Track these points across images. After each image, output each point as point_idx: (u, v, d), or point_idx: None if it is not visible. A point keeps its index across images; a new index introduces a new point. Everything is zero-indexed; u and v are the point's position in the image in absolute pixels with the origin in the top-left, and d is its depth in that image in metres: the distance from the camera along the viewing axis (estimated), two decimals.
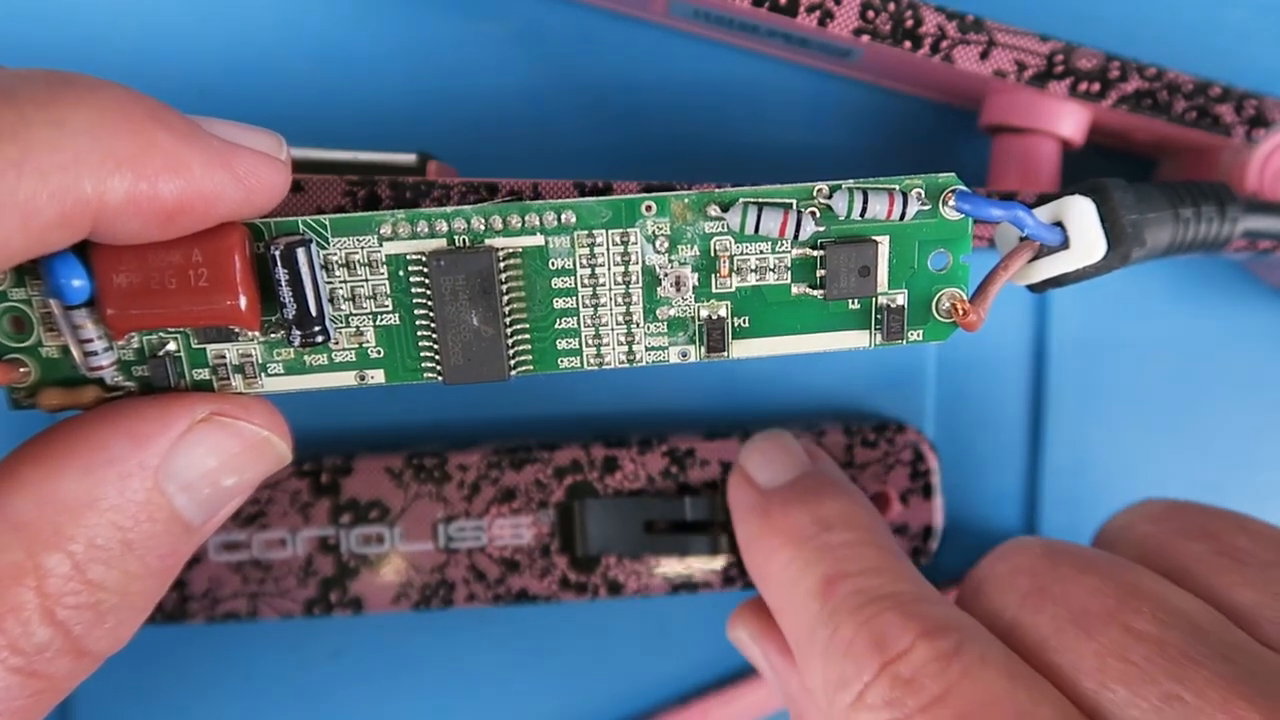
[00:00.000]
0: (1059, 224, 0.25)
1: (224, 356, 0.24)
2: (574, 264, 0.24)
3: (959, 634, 0.24)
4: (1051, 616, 0.24)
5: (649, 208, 0.24)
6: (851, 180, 0.24)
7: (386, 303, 0.24)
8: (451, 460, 0.35)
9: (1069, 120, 0.33)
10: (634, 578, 0.35)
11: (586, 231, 0.24)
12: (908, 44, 0.31)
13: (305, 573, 0.35)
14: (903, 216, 0.24)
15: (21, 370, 0.23)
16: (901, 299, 0.25)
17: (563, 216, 0.24)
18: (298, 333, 0.23)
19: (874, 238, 0.24)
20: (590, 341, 0.25)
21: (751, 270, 0.24)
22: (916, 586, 0.26)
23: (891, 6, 0.31)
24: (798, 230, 0.24)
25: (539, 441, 0.36)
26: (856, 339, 0.25)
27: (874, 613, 0.25)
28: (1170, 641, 0.23)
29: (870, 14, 0.31)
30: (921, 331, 0.25)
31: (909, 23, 0.31)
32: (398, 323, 0.24)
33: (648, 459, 0.35)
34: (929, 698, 0.23)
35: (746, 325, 0.25)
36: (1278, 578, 0.25)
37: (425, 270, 0.24)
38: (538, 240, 0.24)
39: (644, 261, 0.24)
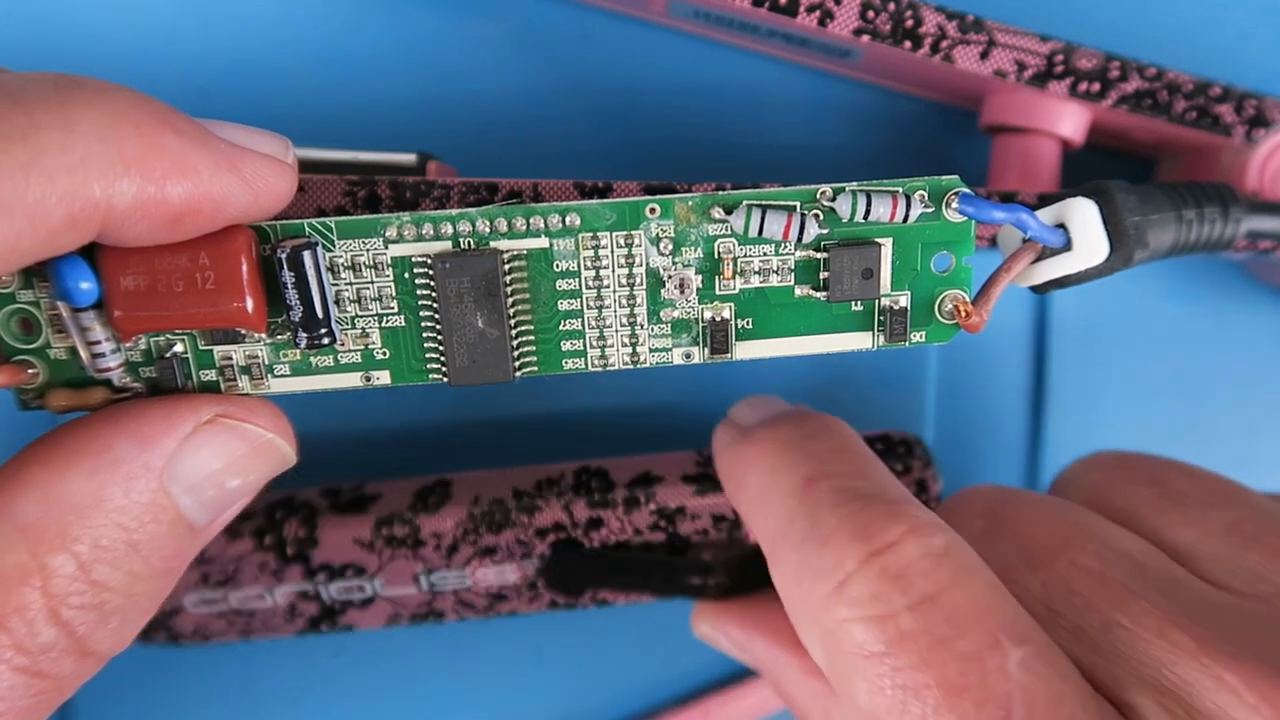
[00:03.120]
0: (1061, 226, 0.25)
1: (231, 358, 0.24)
2: (578, 266, 0.24)
3: (945, 537, 0.24)
4: (1003, 553, 0.25)
5: (653, 210, 0.24)
6: (855, 183, 0.24)
7: (392, 305, 0.24)
8: (424, 527, 0.33)
9: (1069, 120, 0.33)
10: (623, 597, 0.35)
11: (591, 234, 0.24)
12: (908, 44, 0.31)
13: (290, 615, 0.34)
14: (906, 219, 0.24)
15: (30, 371, 0.23)
16: (904, 301, 0.25)
17: (567, 219, 0.24)
18: (304, 335, 0.23)
19: (877, 240, 0.24)
20: (594, 343, 0.25)
21: (755, 272, 0.24)
22: (900, 489, 0.26)
23: (891, 6, 0.31)
24: (801, 233, 0.24)
25: (514, 492, 0.34)
26: (859, 340, 0.25)
27: (858, 507, 0.24)
28: (1111, 576, 0.24)
29: (870, 14, 0.31)
30: (924, 333, 0.25)
31: (909, 23, 0.31)
32: (403, 325, 0.24)
33: (634, 517, 0.34)
34: (919, 596, 0.22)
35: (750, 327, 0.25)
36: (1215, 517, 0.26)
37: (430, 272, 0.24)
38: (542, 242, 0.24)
39: (648, 263, 0.24)
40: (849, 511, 0.24)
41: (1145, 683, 0.22)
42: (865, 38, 0.31)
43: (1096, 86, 0.32)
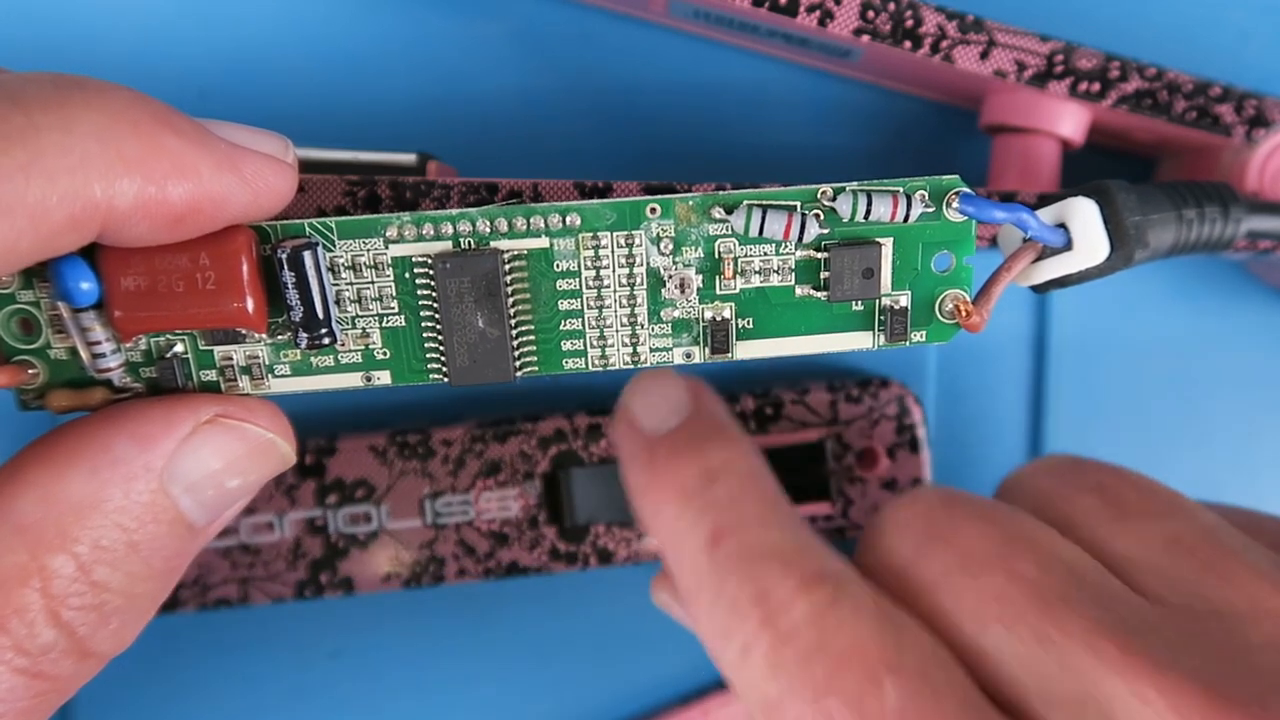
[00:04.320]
0: (1062, 225, 0.25)
1: (231, 358, 0.24)
2: (579, 266, 0.24)
3: (835, 584, 0.25)
4: (941, 562, 0.26)
5: (654, 210, 0.24)
6: (855, 183, 0.24)
7: (392, 305, 0.24)
8: (435, 436, 0.35)
9: (1069, 120, 0.33)
10: (624, 545, 0.35)
11: (591, 234, 0.24)
12: (908, 44, 0.31)
13: (294, 555, 0.35)
14: (906, 219, 0.24)
15: (30, 372, 0.23)
16: (905, 300, 0.25)
17: (568, 219, 0.24)
18: (304, 335, 0.23)
19: (878, 240, 0.24)
20: (595, 343, 0.25)
21: (755, 272, 0.24)
22: (797, 536, 0.27)
23: (891, 6, 0.31)
24: (802, 232, 0.24)
25: (523, 414, 0.36)
26: (860, 340, 0.25)
27: (756, 569, 0.26)
28: (1047, 585, 0.24)
29: (870, 14, 0.31)
30: (924, 333, 0.25)
31: (909, 23, 0.31)
32: (404, 325, 0.24)
33: None
34: (806, 650, 0.24)
35: (750, 326, 0.25)
36: (1156, 529, 0.26)
37: (431, 272, 0.24)
38: (543, 242, 0.24)
39: (648, 263, 0.24)
40: (748, 575, 0.26)
41: (1064, 700, 0.23)
42: (865, 38, 0.31)
43: (1096, 86, 0.32)
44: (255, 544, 0.35)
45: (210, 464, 0.23)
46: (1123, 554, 0.26)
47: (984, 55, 0.31)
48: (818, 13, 0.31)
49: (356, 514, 0.35)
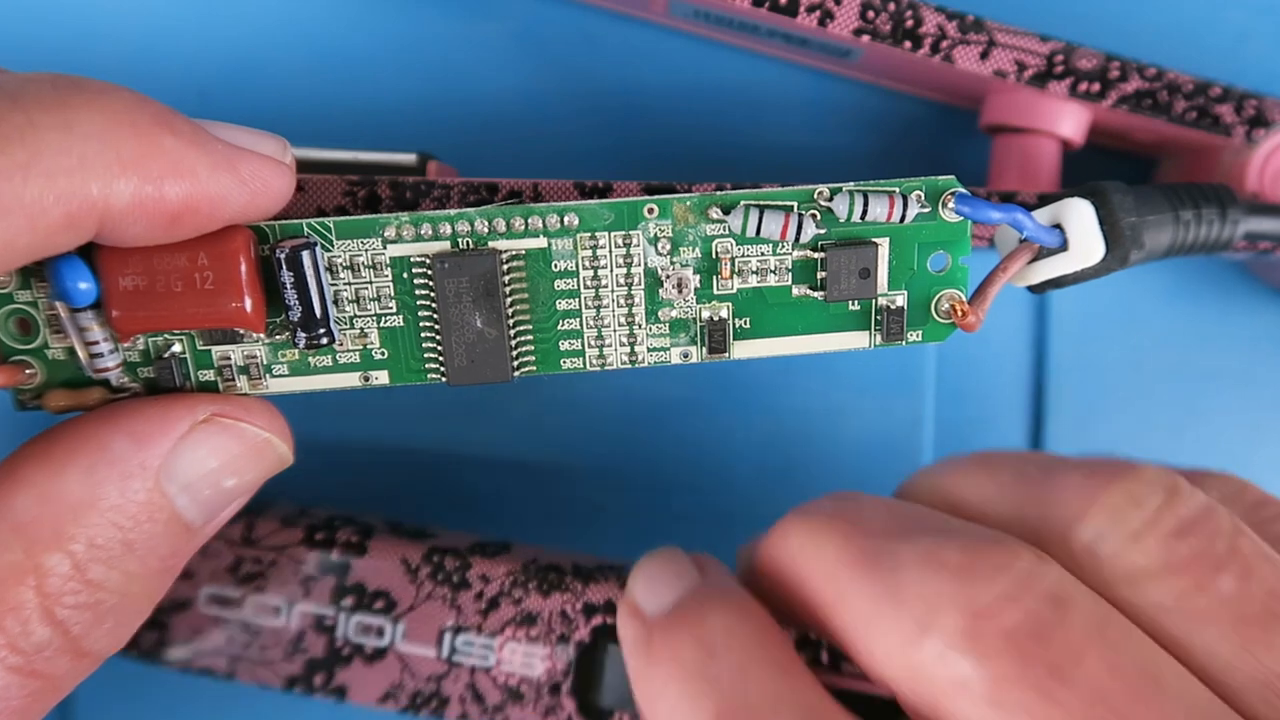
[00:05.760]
0: (1058, 226, 0.25)
1: (229, 358, 0.24)
2: (577, 266, 0.24)
3: None
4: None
5: (651, 210, 0.24)
6: (852, 183, 0.24)
7: (390, 305, 0.24)
8: (475, 567, 0.32)
9: (1069, 120, 0.33)
10: None
11: (589, 234, 0.24)
12: (908, 44, 0.31)
13: (294, 648, 0.33)
14: (903, 219, 0.24)
15: (27, 372, 0.23)
16: (901, 300, 0.25)
17: (565, 219, 0.24)
18: (302, 335, 0.23)
19: (874, 240, 0.24)
20: (593, 342, 0.25)
21: (753, 272, 0.24)
22: (809, 711, 0.23)
23: (891, 6, 0.31)
24: (799, 233, 0.24)
25: (573, 562, 0.33)
26: (856, 340, 0.25)
27: None
28: None
29: (870, 14, 0.31)
30: (921, 332, 0.25)
31: (909, 23, 0.31)
32: (402, 324, 0.24)
33: None
34: None
35: (748, 326, 0.25)
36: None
37: (429, 272, 0.24)
38: (541, 242, 0.24)
39: (646, 263, 0.24)
40: None
41: None
42: (865, 38, 0.31)
43: (1096, 86, 0.32)
44: (256, 625, 0.33)
45: (207, 463, 0.23)
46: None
47: (984, 55, 0.31)
48: (818, 13, 0.31)
49: (369, 624, 0.32)
